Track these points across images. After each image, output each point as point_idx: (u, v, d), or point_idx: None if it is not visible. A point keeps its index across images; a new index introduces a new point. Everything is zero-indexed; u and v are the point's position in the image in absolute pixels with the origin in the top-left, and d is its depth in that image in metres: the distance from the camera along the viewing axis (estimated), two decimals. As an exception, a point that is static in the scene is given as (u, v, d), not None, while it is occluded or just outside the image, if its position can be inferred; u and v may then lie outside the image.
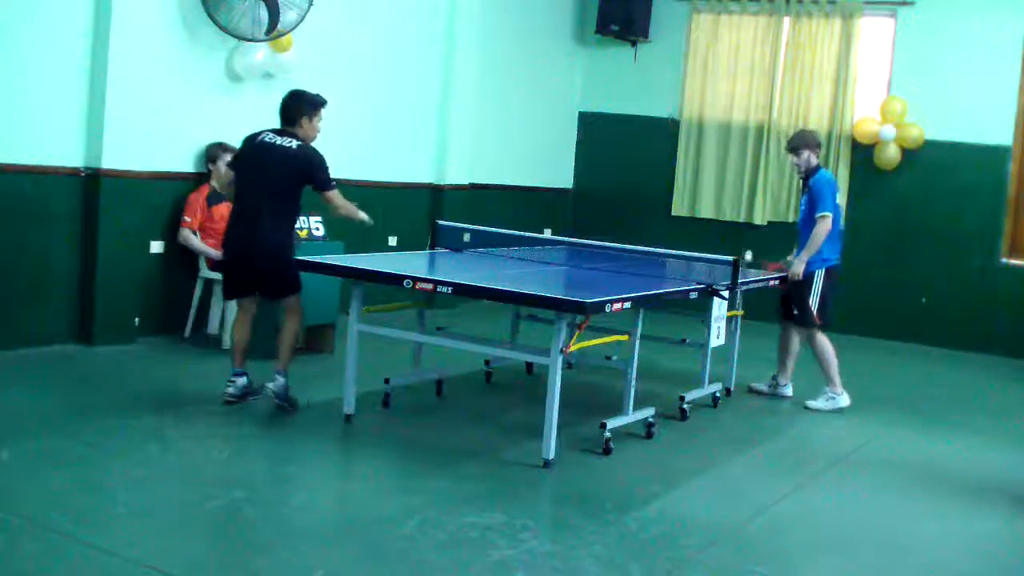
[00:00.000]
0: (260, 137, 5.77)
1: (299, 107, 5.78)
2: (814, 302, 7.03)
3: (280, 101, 5.83)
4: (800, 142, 7.11)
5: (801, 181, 7.29)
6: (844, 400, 7.07)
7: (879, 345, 9.80)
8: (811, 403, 7.08)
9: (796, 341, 7.28)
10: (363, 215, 5.98)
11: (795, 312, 7.12)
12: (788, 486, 5.32)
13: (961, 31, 9.95)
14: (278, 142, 5.69)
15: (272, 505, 4.51)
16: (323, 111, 5.87)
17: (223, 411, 5.76)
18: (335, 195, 5.80)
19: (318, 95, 5.86)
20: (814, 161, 7.08)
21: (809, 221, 7.01)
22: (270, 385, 5.76)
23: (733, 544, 4.46)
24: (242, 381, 5.89)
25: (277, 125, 5.83)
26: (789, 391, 7.32)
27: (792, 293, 7.11)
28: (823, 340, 7.09)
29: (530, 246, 7.62)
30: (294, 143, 5.70)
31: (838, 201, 7.17)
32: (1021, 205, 10.09)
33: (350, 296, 5.83)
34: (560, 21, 11.41)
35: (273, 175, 5.67)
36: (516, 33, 10.68)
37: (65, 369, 6.62)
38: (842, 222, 7.30)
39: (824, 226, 6.91)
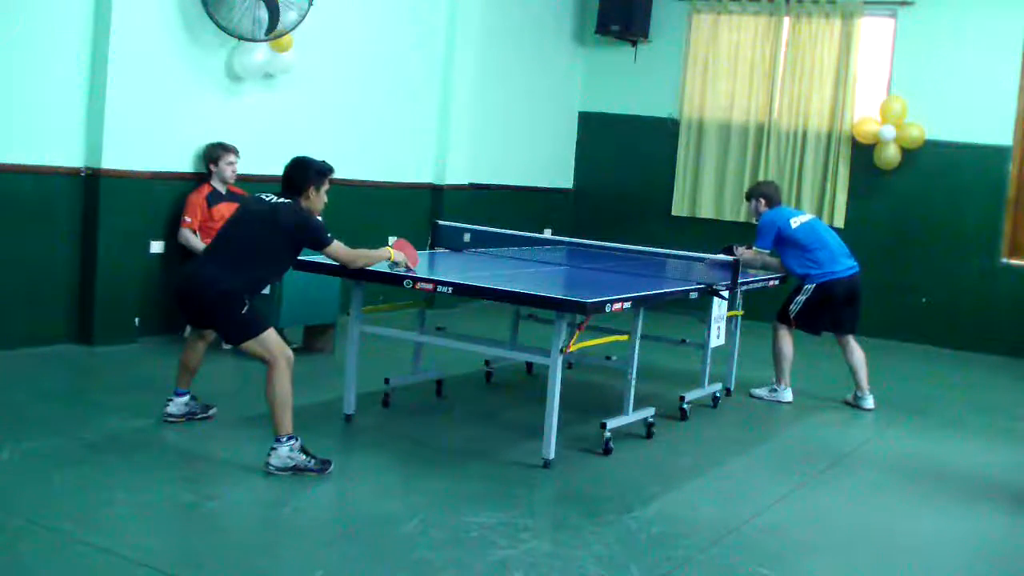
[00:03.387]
0: (261, 195, 5.25)
1: (305, 176, 5.15)
2: (796, 306, 7.14)
3: (284, 168, 5.22)
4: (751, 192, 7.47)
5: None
6: (788, 395, 7.23)
7: (879, 345, 9.77)
8: (755, 391, 7.28)
9: (852, 351, 7.24)
10: (385, 253, 5.40)
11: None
12: (788, 486, 5.32)
13: (961, 31, 9.95)
14: (274, 199, 5.13)
15: (272, 505, 4.52)
16: (328, 183, 5.26)
17: (222, 411, 5.74)
18: (337, 248, 5.18)
19: (325, 163, 5.25)
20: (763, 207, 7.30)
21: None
22: (271, 461, 4.82)
23: (733, 544, 4.46)
24: (182, 400, 5.48)
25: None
26: (870, 403, 7.21)
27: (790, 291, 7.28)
28: (786, 339, 7.20)
29: (530, 246, 7.62)
30: (289, 203, 5.11)
31: (802, 220, 7.25)
32: (1021, 205, 10.09)
33: (350, 296, 5.84)
34: (560, 21, 11.41)
35: (253, 222, 5.11)
36: (516, 33, 10.68)
37: (65, 369, 6.62)
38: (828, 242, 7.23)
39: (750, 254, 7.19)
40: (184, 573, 3.71)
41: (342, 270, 5.55)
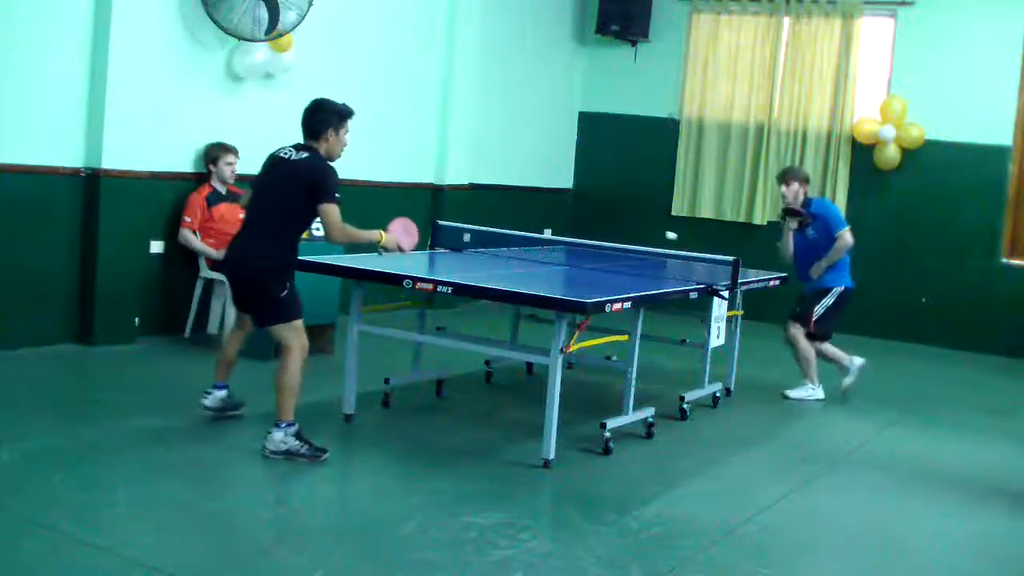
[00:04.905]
0: (278, 152, 5.24)
1: (325, 119, 5.16)
2: (822, 309, 7.19)
3: (303, 112, 5.21)
4: (791, 175, 7.34)
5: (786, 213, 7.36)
6: (820, 392, 7.30)
7: (879, 345, 9.79)
8: (791, 392, 7.28)
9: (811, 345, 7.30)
10: (373, 235, 5.24)
11: (798, 310, 7.25)
12: (788, 486, 5.32)
13: (961, 31, 9.94)
14: (292, 156, 5.13)
15: (272, 505, 4.52)
16: (349, 123, 5.26)
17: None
18: (329, 209, 5.04)
19: (345, 105, 5.25)
20: (802, 196, 7.30)
21: (817, 247, 7.20)
22: (266, 444, 4.97)
23: (733, 544, 4.46)
24: (220, 394, 5.52)
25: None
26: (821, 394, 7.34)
27: (808, 297, 7.31)
28: (806, 340, 7.24)
29: (530, 246, 7.62)
30: (305, 155, 5.12)
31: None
32: (1021, 205, 10.09)
33: (350, 296, 5.84)
34: (560, 21, 11.41)
35: (277, 189, 5.14)
36: (516, 33, 10.68)
37: (65, 369, 6.62)
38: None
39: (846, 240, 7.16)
40: (184, 573, 3.71)
41: (342, 270, 5.55)
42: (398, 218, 5.55)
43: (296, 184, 5.08)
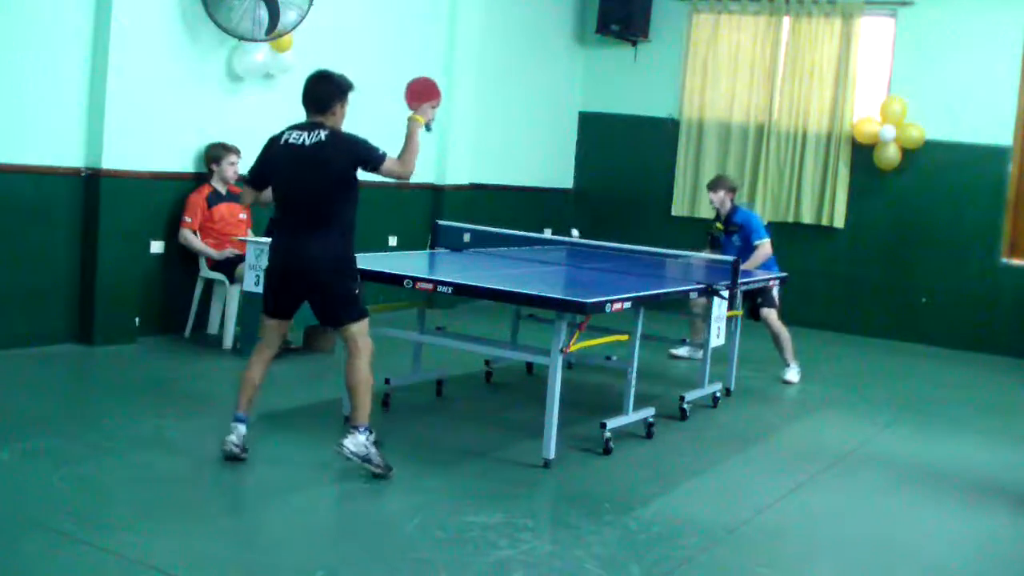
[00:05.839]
0: (285, 139, 4.88)
1: (332, 92, 4.87)
2: (777, 293, 7.73)
3: (306, 85, 4.92)
4: (720, 184, 7.91)
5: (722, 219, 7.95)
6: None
7: (879, 345, 9.80)
8: (788, 376, 7.73)
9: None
10: (415, 135, 5.02)
11: (759, 299, 7.68)
12: (788, 486, 5.32)
13: (961, 31, 9.95)
14: (308, 141, 4.79)
15: (272, 505, 4.51)
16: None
17: (222, 411, 5.74)
18: (389, 167, 4.86)
19: (345, 76, 4.95)
20: (728, 204, 7.86)
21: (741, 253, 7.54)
22: (346, 443, 4.75)
23: (733, 544, 4.46)
24: (243, 428, 4.91)
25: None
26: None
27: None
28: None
29: (530, 246, 7.63)
30: (322, 134, 4.80)
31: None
32: (1021, 205, 10.09)
33: (350, 296, 5.82)
34: (560, 21, 11.42)
35: (317, 181, 4.78)
36: (516, 33, 10.68)
37: (65, 369, 6.62)
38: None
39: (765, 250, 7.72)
40: (184, 573, 3.71)
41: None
42: (410, 84, 5.40)
43: (335, 170, 4.79)
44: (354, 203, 4.92)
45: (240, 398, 4.96)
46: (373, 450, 4.80)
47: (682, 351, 8.17)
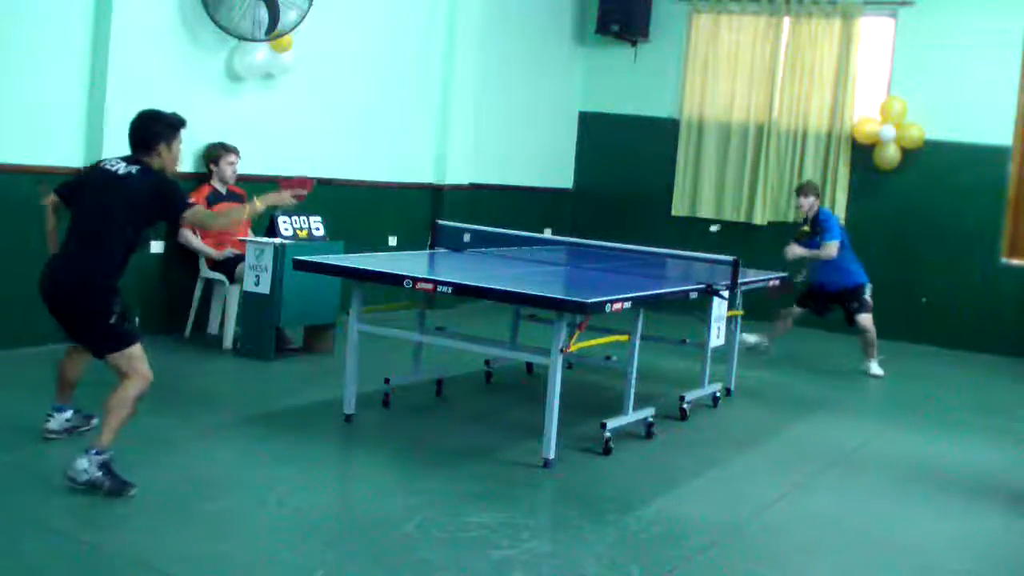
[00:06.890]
0: (104, 164, 4.77)
1: (159, 132, 4.74)
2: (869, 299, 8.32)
3: (132, 124, 4.83)
4: (809, 189, 8.47)
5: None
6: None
7: (879, 345, 9.78)
8: (874, 371, 8.34)
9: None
10: (257, 205, 4.85)
11: (855, 305, 8.30)
12: (788, 486, 5.32)
13: (961, 31, 9.93)
14: (121, 171, 4.65)
15: (272, 505, 4.51)
16: (182, 134, 4.85)
17: (222, 411, 5.74)
18: (193, 215, 4.75)
19: (175, 114, 4.82)
20: (816, 208, 8.39)
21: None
22: (75, 464, 4.34)
23: (733, 544, 4.46)
24: (63, 416, 4.99)
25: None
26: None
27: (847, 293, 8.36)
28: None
29: (530, 246, 7.62)
30: (135, 170, 4.66)
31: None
32: (1021, 205, 10.09)
33: (350, 296, 5.83)
34: (560, 21, 11.41)
35: (109, 206, 4.61)
36: (516, 33, 10.68)
37: (65, 369, 6.61)
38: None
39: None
40: (184, 573, 3.72)
41: (342, 270, 5.53)
42: (293, 179, 5.18)
43: (132, 204, 4.62)
44: (132, 244, 4.72)
45: (57, 390, 5.00)
46: (99, 474, 4.33)
47: (752, 338, 8.46)
